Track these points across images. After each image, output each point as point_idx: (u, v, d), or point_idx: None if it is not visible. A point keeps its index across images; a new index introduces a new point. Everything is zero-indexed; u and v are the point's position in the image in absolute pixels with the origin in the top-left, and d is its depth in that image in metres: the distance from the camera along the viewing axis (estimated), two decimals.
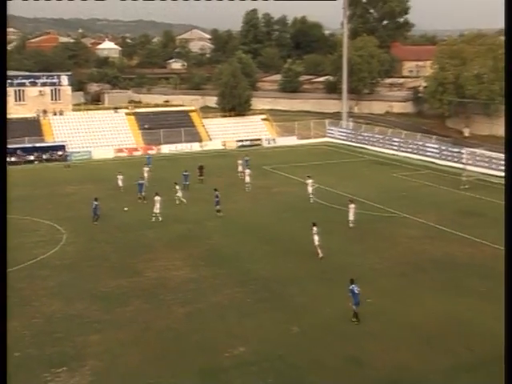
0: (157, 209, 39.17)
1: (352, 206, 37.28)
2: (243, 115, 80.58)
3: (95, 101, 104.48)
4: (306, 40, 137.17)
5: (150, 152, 66.12)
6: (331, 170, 56.95)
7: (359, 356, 21.49)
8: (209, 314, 25.03)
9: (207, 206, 42.22)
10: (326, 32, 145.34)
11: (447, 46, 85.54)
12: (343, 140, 74.46)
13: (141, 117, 75.57)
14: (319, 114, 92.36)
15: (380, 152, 66.93)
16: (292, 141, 74.76)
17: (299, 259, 31.89)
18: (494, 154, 54.46)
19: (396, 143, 67.08)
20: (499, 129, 76.35)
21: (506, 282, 13.31)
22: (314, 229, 31.84)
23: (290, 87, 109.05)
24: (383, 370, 20.55)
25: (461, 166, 54.77)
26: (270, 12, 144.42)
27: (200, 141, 72.66)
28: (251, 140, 73.76)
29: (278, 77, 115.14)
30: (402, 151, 65.41)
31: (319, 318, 24.55)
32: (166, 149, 68.98)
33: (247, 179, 47.96)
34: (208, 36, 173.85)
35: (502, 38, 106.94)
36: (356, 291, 23.86)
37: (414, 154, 63.75)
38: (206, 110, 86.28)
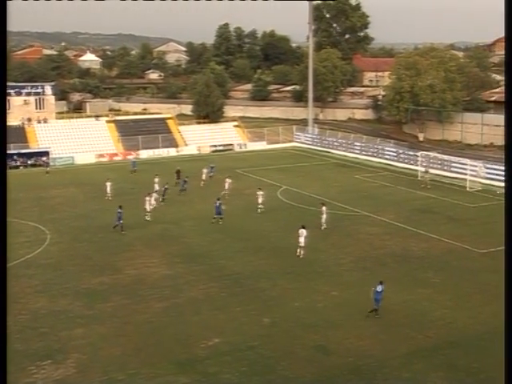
0: (151, 206, 38.90)
1: (324, 208, 36.80)
2: (216, 122, 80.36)
3: (77, 109, 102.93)
4: (274, 52, 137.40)
5: (129, 157, 65.41)
6: (298, 173, 57.09)
7: (326, 345, 21.56)
8: (185, 308, 24.86)
9: (184, 207, 42.02)
10: (293, 45, 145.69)
11: (403, 58, 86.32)
12: (309, 144, 74.72)
13: (120, 124, 74.81)
14: (287, 121, 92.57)
15: (343, 155, 67.34)
16: (262, 145, 74.80)
17: (270, 256, 31.91)
18: (445, 157, 55.28)
19: (358, 147, 67.53)
20: (450, 134, 77.89)
21: (506, 281, 13.06)
22: (303, 231, 31.23)
23: (260, 96, 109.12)
24: (348, 357, 20.65)
25: (417, 168, 55.38)
26: (241, 26, 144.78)
27: (176, 146, 72.25)
28: (224, 145, 73.59)
29: (248, 86, 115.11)
30: (363, 154, 65.86)
31: (289, 311, 24.56)
32: (145, 154, 68.42)
33: (226, 186, 46.49)
34: (183, 48, 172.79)
35: (452, 51, 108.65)
36: (378, 289, 23.53)
37: (374, 157, 64.26)
38: (181, 118, 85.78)
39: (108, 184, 46.13)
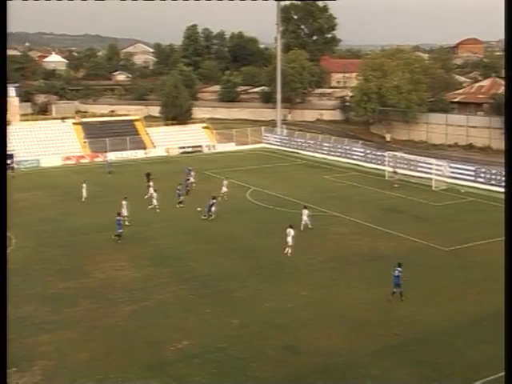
0: (125, 212, 38.20)
1: (305, 211, 36.33)
2: (185, 124, 79.82)
3: (43, 111, 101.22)
4: (242, 53, 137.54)
5: (106, 159, 64.28)
6: (267, 174, 57.20)
7: (295, 345, 21.64)
8: (154, 311, 24.66)
9: (153, 209, 41.66)
10: (261, 46, 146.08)
11: (370, 59, 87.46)
12: (278, 145, 74.92)
13: (87, 126, 73.83)
14: (256, 122, 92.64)
15: (312, 156, 67.72)
16: (231, 147, 74.69)
17: (239, 257, 31.88)
18: (412, 157, 56.05)
19: (326, 148, 68.00)
20: (416, 134, 79.21)
21: (506, 281, 13.28)
22: (291, 231, 31.83)
23: (229, 97, 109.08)
24: (317, 357, 20.77)
25: (384, 167, 56.06)
26: (209, 27, 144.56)
27: (144, 148, 71.60)
28: (192, 147, 73.20)
29: (217, 87, 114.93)
30: (332, 155, 66.32)
31: (258, 312, 24.57)
32: (113, 156, 67.58)
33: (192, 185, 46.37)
34: (151, 50, 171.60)
35: (418, 53, 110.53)
36: (396, 274, 25.19)
37: (342, 157, 64.76)
38: (149, 119, 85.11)
39: (84, 186, 45.39)
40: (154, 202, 42.09)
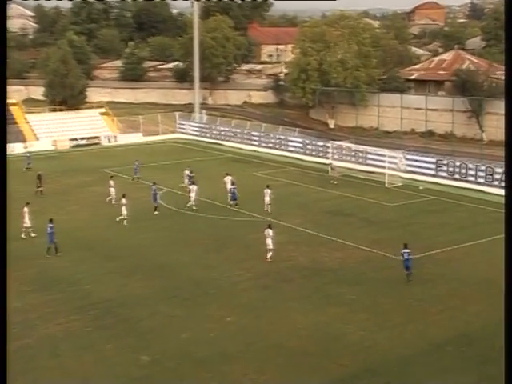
0: (26, 223, 37.97)
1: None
2: (77, 109, 78.96)
3: None
4: (150, 20, 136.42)
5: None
6: (183, 171, 57.01)
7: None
8: (39, 350, 24.15)
9: (41, 218, 40.33)
10: (174, 11, 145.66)
11: (309, 28, 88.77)
12: (196, 136, 74.98)
13: None
14: (168, 106, 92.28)
15: (238, 148, 68.16)
16: (137, 138, 74.17)
17: (148, 276, 31.69)
18: (360, 147, 57.53)
19: (256, 138, 68.68)
20: (365, 119, 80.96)
21: (506, 280, 13.96)
22: (270, 231, 33.18)
23: (133, 75, 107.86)
24: None
25: (327, 161, 57.21)
26: None
27: (24, 141, 69.91)
28: (88, 138, 72.38)
29: (118, 63, 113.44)
30: (263, 147, 67.09)
31: (174, 344, 24.51)
32: None
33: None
34: (30, 13, 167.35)
35: (367, 20, 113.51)
36: (406, 256, 29.92)
37: (276, 149, 65.64)
38: (30, 104, 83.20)
39: None
40: None
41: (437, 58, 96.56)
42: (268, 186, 43.25)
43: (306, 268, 32.67)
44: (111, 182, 46.62)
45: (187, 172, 50.19)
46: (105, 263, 33.74)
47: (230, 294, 29.28)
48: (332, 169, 53.97)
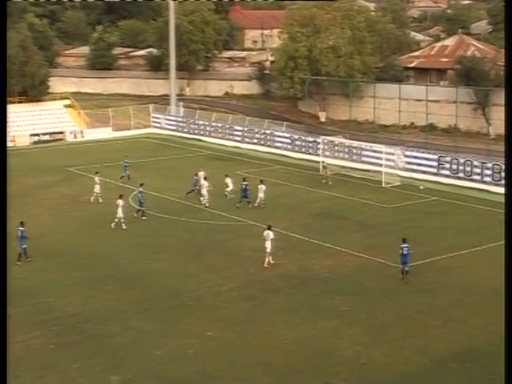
0: None
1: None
2: (39, 101, 78.38)
3: None
4: (120, 2, 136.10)
5: None
6: (158, 170, 56.98)
7: None
8: None
9: None
10: None
11: (298, 10, 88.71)
12: (173, 131, 74.81)
13: None
14: (141, 98, 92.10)
15: (219, 144, 68.07)
16: (106, 133, 73.92)
17: (120, 287, 31.62)
18: (354, 143, 57.59)
19: (239, 133, 68.61)
20: (360, 112, 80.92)
21: (506, 280, 14.07)
22: (270, 233, 33.31)
23: (102, 63, 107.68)
24: None
25: (318, 158, 57.22)
26: None
27: None
28: (51, 134, 72.08)
29: (84, 49, 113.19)
30: (247, 142, 67.04)
31: (147, 362, 24.45)
32: None
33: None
34: None
35: (361, 2, 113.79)
36: (405, 251, 30.75)
37: (262, 145, 65.63)
38: None
39: None
40: None
41: (439, 44, 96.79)
42: (262, 182, 44.77)
43: (295, 277, 32.70)
44: (96, 179, 46.57)
45: (201, 173, 49.27)
46: (70, 273, 33.55)
47: (211, 306, 29.26)
48: (323, 167, 54.05)
